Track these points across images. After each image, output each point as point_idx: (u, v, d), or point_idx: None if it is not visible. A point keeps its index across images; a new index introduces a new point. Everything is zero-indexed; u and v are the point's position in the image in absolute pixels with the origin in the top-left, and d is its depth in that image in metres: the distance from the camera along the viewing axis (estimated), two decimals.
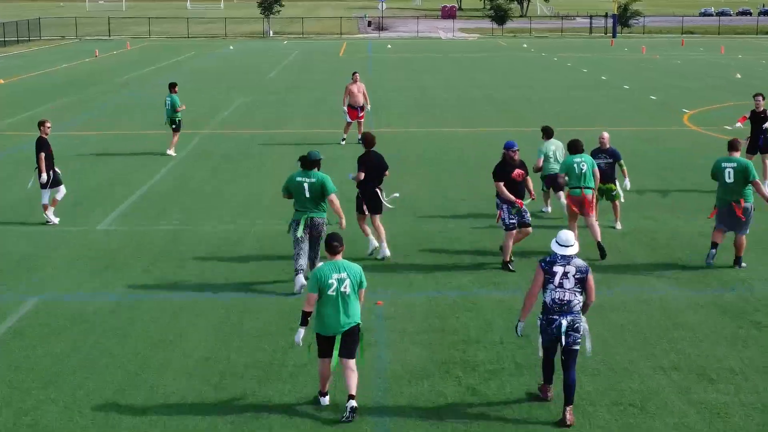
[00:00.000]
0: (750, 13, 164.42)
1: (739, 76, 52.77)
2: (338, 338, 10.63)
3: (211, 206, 21.28)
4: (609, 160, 18.62)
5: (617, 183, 18.87)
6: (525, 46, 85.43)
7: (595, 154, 18.42)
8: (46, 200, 19.98)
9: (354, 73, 29.94)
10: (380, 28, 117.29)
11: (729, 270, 16.34)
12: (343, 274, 10.69)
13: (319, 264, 11.29)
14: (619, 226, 19.13)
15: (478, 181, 23.48)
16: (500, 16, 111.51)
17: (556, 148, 19.66)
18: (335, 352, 10.64)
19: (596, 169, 17.22)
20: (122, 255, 17.47)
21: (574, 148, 17.17)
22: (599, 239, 17.05)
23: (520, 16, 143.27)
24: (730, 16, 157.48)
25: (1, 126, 34.18)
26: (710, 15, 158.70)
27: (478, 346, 12.87)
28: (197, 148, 29.15)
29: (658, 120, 35.15)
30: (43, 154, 19.57)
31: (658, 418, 10.63)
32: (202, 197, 22.24)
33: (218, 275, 16.14)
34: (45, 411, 10.86)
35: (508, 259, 16.49)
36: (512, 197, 16.14)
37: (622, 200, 19.07)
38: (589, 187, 16.95)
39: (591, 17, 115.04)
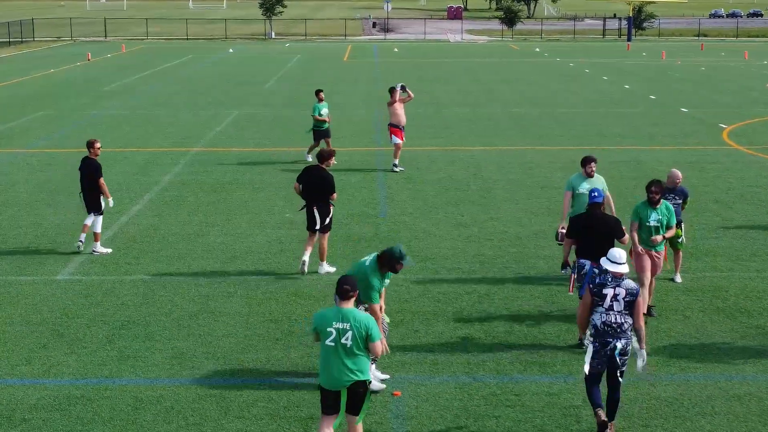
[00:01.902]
0: (761, 15, 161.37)
1: None
2: (344, 393, 9.35)
3: (193, 250, 18.07)
4: (678, 201, 15.43)
5: (682, 227, 15.65)
6: (538, 50, 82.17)
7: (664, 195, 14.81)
8: (98, 228, 17.73)
9: (392, 89, 25.51)
10: (386, 29, 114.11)
11: None
12: (347, 325, 9.24)
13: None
14: (679, 278, 15.95)
15: (502, 213, 20.31)
16: (510, 18, 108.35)
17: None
18: (341, 409, 9.39)
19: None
20: (81, 318, 14.25)
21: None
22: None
23: (527, 18, 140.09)
24: (741, 17, 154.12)
25: None
26: (720, 17, 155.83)
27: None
28: (184, 173, 25.91)
29: (695, 137, 31.89)
30: (103, 179, 17.58)
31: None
32: (185, 237, 19.02)
33: (195, 351, 12.93)
34: None
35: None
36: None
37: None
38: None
39: (605, 19, 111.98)
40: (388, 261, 11.23)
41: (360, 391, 9.36)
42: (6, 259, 17.42)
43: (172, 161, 27.41)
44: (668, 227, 13.99)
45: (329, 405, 9.44)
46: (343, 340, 9.23)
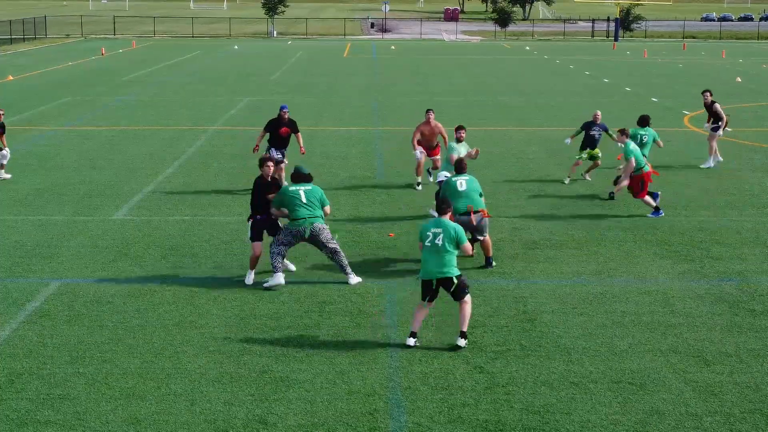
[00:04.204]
0: (752, 19, 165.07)
1: (739, 80, 53.43)
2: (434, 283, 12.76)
3: (222, 200, 21.88)
4: (600, 132, 23.84)
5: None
6: (528, 48, 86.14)
7: (589, 126, 23.77)
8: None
9: (428, 111, 23.11)
10: (383, 29, 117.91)
11: (728, 263, 16.92)
12: (440, 230, 12.75)
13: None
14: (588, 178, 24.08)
15: (480, 176, 24.18)
16: (503, 19, 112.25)
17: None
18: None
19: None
20: (138, 243, 18.05)
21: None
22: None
23: (523, 20, 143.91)
24: (732, 21, 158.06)
25: (13, 121, 34.72)
26: (712, 20, 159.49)
27: (484, 329, 13.45)
28: (206, 146, 29.77)
29: (659, 121, 35.61)
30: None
31: (656, 395, 11.21)
32: (213, 191, 22.82)
33: (232, 264, 16.70)
34: (74, 384, 11.43)
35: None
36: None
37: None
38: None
39: (593, 21, 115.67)
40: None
41: (453, 283, 12.60)
42: (67, 206, 21.17)
43: (195, 137, 31.26)
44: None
45: (425, 293, 12.80)
46: (436, 242, 12.67)
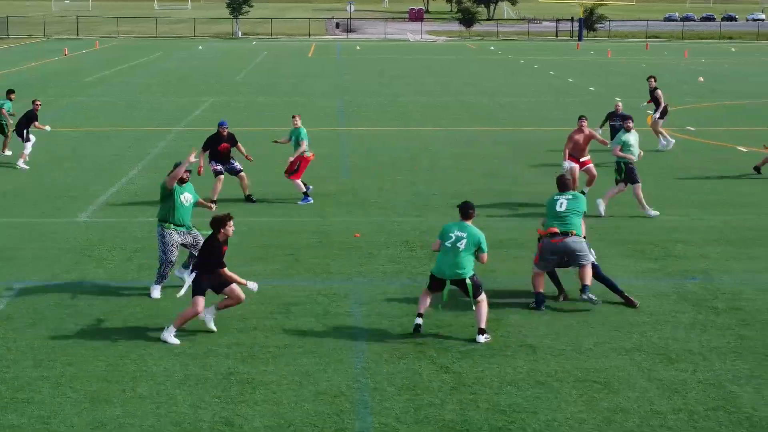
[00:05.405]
0: (713, 18, 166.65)
1: (702, 79, 53.88)
2: (447, 283, 13.11)
3: None
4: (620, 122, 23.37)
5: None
6: (492, 48, 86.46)
7: (612, 117, 25.78)
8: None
9: (580, 118, 22.32)
10: (348, 30, 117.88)
11: (691, 261, 17.07)
12: (464, 234, 13.09)
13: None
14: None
15: (446, 175, 24.18)
16: (468, 19, 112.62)
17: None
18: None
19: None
20: (102, 245, 17.93)
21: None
22: None
23: (487, 20, 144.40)
24: (695, 21, 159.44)
25: None
26: (675, 20, 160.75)
27: (450, 329, 13.48)
28: (170, 147, 29.62)
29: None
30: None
31: (621, 394, 11.29)
32: None
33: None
34: (38, 387, 11.34)
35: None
36: None
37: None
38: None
39: (557, 21, 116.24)
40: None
41: (467, 285, 12.99)
42: (30, 208, 20.97)
43: (159, 138, 31.12)
44: None
45: (432, 285, 13.26)
46: (458, 245, 12.99)
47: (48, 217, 20.13)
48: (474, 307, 13.25)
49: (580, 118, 22.15)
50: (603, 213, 20.44)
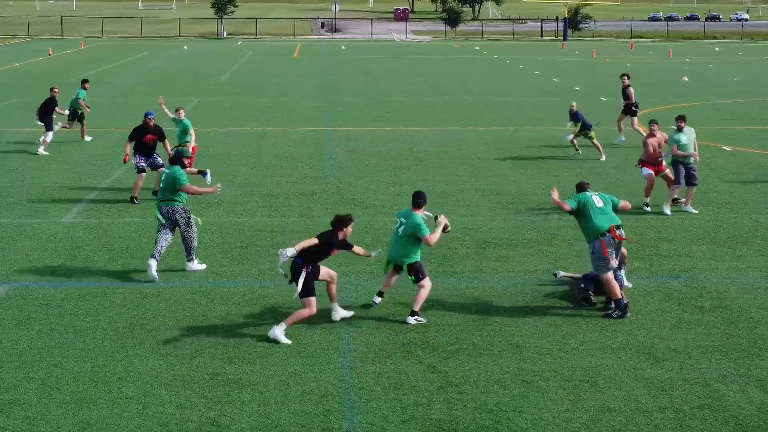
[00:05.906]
0: (697, 18, 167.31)
1: (686, 79, 54.07)
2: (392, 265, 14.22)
3: None
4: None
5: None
6: (477, 48, 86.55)
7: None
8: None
9: (651, 123, 21.41)
10: (334, 29, 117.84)
11: (676, 260, 17.14)
12: (404, 220, 13.86)
13: None
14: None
15: (432, 176, 24.18)
16: (453, 19, 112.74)
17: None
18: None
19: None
20: (88, 246, 17.88)
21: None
22: None
23: (472, 19, 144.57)
24: (678, 21, 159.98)
25: None
26: (659, 20, 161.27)
27: (437, 328, 13.50)
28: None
29: (606, 119, 36.03)
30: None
31: (607, 392, 11.33)
32: None
33: (183, 265, 16.60)
34: (24, 389, 11.30)
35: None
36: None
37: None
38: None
39: (542, 21, 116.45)
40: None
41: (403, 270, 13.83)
42: (15, 209, 20.86)
43: None
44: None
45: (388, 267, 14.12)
46: (398, 230, 13.82)
47: (32, 218, 20.05)
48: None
49: (651, 122, 21.22)
50: (668, 212, 20.97)
